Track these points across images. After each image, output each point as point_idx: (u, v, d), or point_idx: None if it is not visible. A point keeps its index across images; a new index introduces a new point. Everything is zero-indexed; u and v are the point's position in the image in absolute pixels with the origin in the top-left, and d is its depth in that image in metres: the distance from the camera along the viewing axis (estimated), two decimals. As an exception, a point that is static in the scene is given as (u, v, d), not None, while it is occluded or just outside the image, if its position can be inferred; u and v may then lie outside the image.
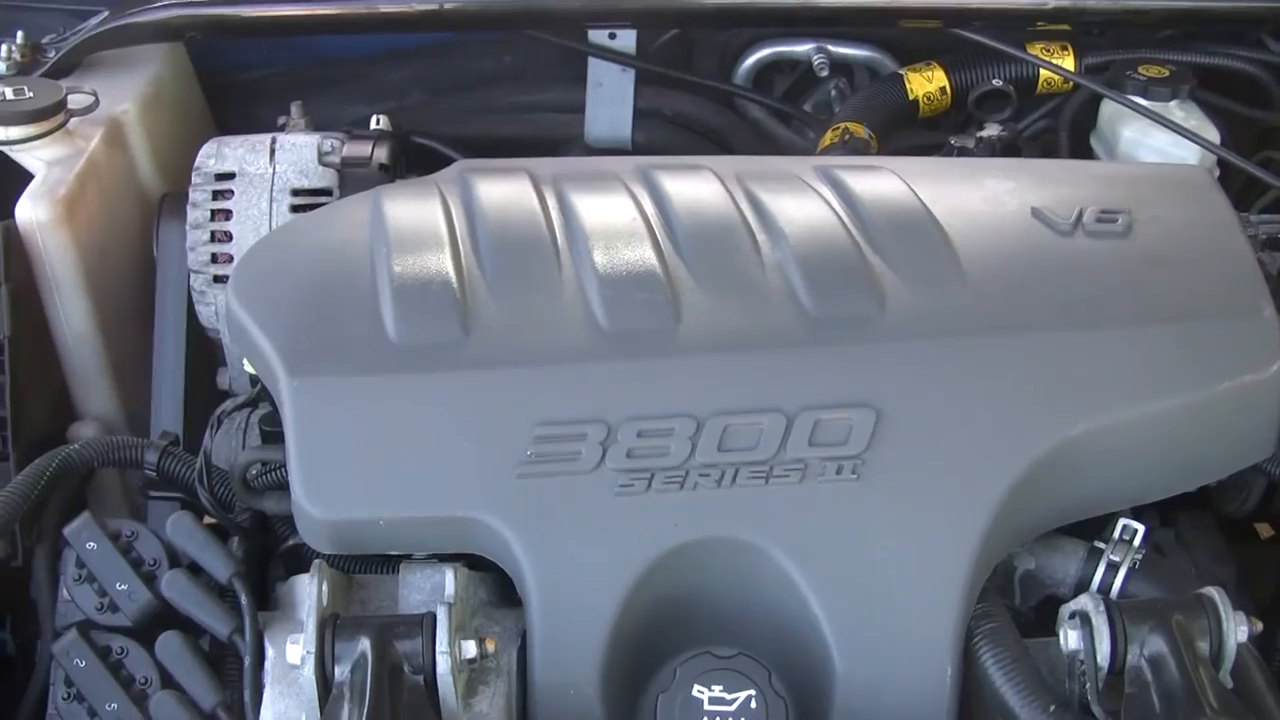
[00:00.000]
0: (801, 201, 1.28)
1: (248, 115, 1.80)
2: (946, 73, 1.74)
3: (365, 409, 1.12)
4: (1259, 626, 1.10)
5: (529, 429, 1.10)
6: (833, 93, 1.88)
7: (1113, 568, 1.15)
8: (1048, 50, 1.72)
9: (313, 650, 1.03)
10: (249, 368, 1.26)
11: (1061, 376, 1.16)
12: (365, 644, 1.03)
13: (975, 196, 1.33)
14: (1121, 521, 1.18)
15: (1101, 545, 1.17)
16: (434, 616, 1.05)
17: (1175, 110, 1.63)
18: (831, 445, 1.10)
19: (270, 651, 1.13)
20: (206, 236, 1.43)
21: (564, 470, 1.10)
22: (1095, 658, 1.04)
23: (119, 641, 1.16)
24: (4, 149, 1.45)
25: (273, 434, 1.26)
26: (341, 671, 1.04)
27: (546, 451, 1.10)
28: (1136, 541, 1.17)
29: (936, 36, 1.75)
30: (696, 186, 1.30)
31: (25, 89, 1.46)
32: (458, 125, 1.76)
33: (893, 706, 1.08)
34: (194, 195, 1.45)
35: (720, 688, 1.06)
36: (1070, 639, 1.06)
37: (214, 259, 1.43)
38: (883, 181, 1.32)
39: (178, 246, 1.47)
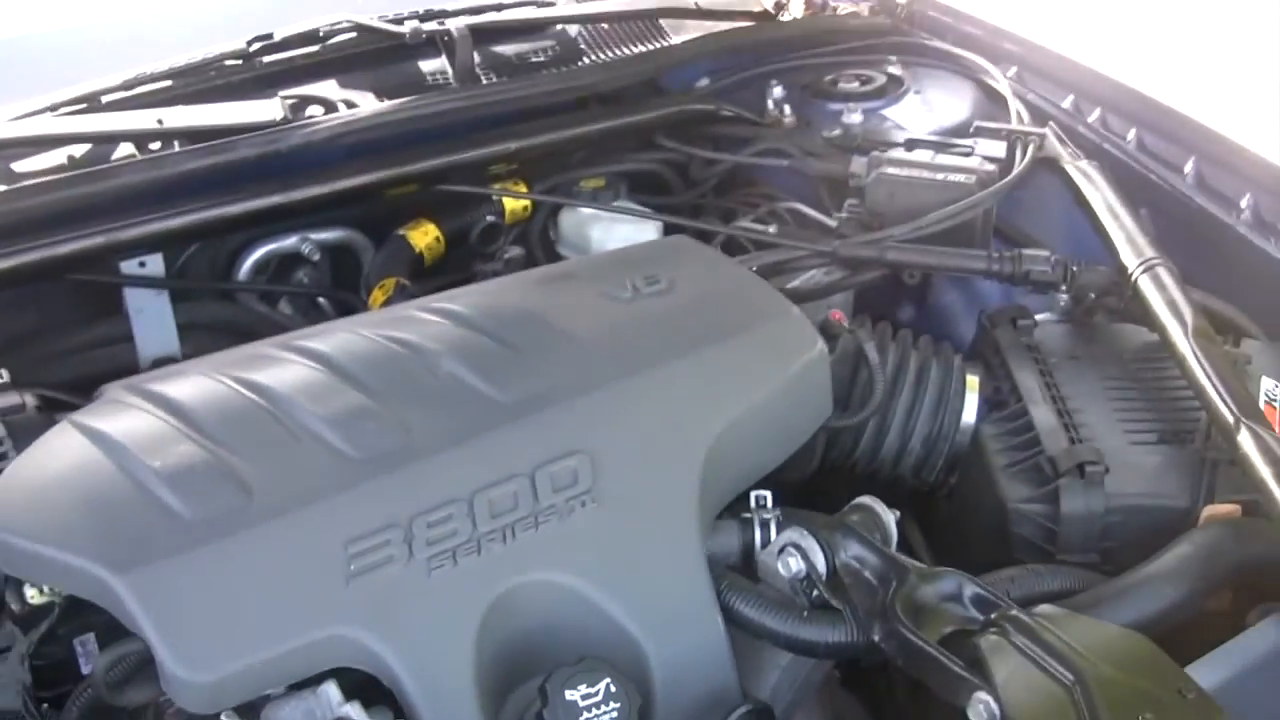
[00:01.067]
0: (430, 328, 1.55)
1: None
2: (436, 224, 2.07)
3: (200, 579, 1.26)
4: (898, 514, 1.52)
5: (342, 549, 1.29)
6: (304, 278, 2.14)
7: (764, 525, 1.51)
8: (505, 185, 2.11)
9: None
10: (33, 598, 1.35)
11: (692, 394, 1.52)
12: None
13: (550, 292, 1.67)
14: (753, 494, 1.54)
15: (747, 515, 1.52)
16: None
17: (621, 205, 2.07)
18: (569, 488, 1.39)
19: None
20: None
21: (385, 571, 1.30)
22: (817, 569, 1.41)
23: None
24: None
25: (46, 668, 1.37)
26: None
27: (364, 562, 1.29)
28: (769, 503, 1.54)
29: (411, 198, 2.07)
30: (341, 341, 1.53)
31: None
32: (28, 378, 1.78)
33: (694, 662, 1.37)
34: None
35: (583, 685, 1.30)
36: (790, 565, 1.42)
37: None
38: (477, 298, 1.63)
39: None
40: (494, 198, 2.09)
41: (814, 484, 1.78)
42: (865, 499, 1.52)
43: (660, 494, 1.44)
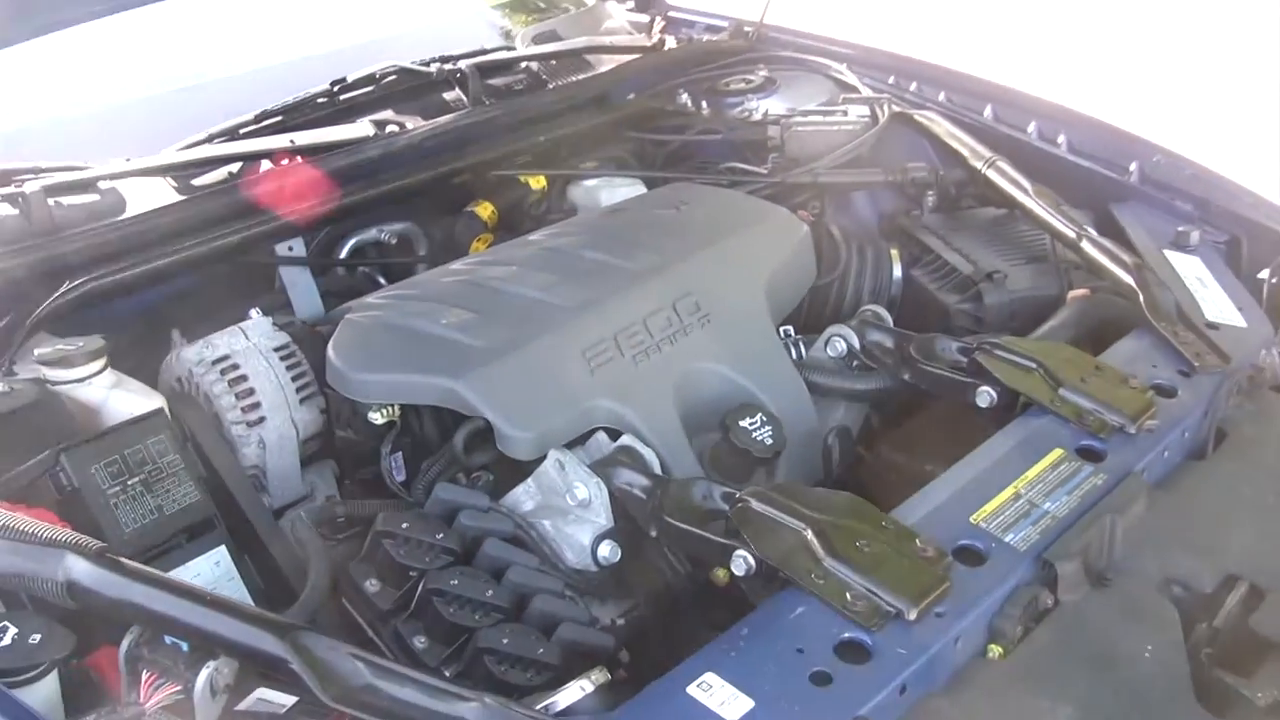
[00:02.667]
0: (560, 239, 2.35)
1: None
2: (492, 203, 2.79)
3: (506, 378, 1.97)
4: (888, 314, 2.37)
5: (582, 355, 2.05)
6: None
7: (795, 344, 2.32)
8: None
9: (598, 481, 1.91)
10: (375, 418, 2.04)
11: (746, 255, 2.34)
12: (622, 470, 1.94)
13: (625, 216, 2.51)
14: (781, 329, 2.36)
15: (786, 340, 2.34)
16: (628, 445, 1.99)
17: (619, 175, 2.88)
18: (696, 312, 2.19)
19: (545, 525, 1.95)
20: (233, 399, 2.04)
21: (611, 364, 2.06)
22: (854, 346, 2.24)
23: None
24: None
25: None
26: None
27: (598, 360, 2.06)
28: (793, 332, 2.37)
29: (459, 187, 2.80)
30: (502, 254, 2.33)
31: None
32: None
33: (793, 409, 2.17)
34: (206, 377, 2.02)
35: (748, 418, 2.07)
36: (838, 346, 2.24)
37: (244, 410, 2.05)
38: (576, 225, 2.46)
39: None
40: (521, 179, 2.81)
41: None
42: (871, 305, 2.37)
43: (748, 312, 2.26)
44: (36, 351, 2.02)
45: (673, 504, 1.81)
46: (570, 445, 1.99)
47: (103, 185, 2.43)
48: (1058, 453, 1.89)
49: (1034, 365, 2.03)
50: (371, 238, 2.74)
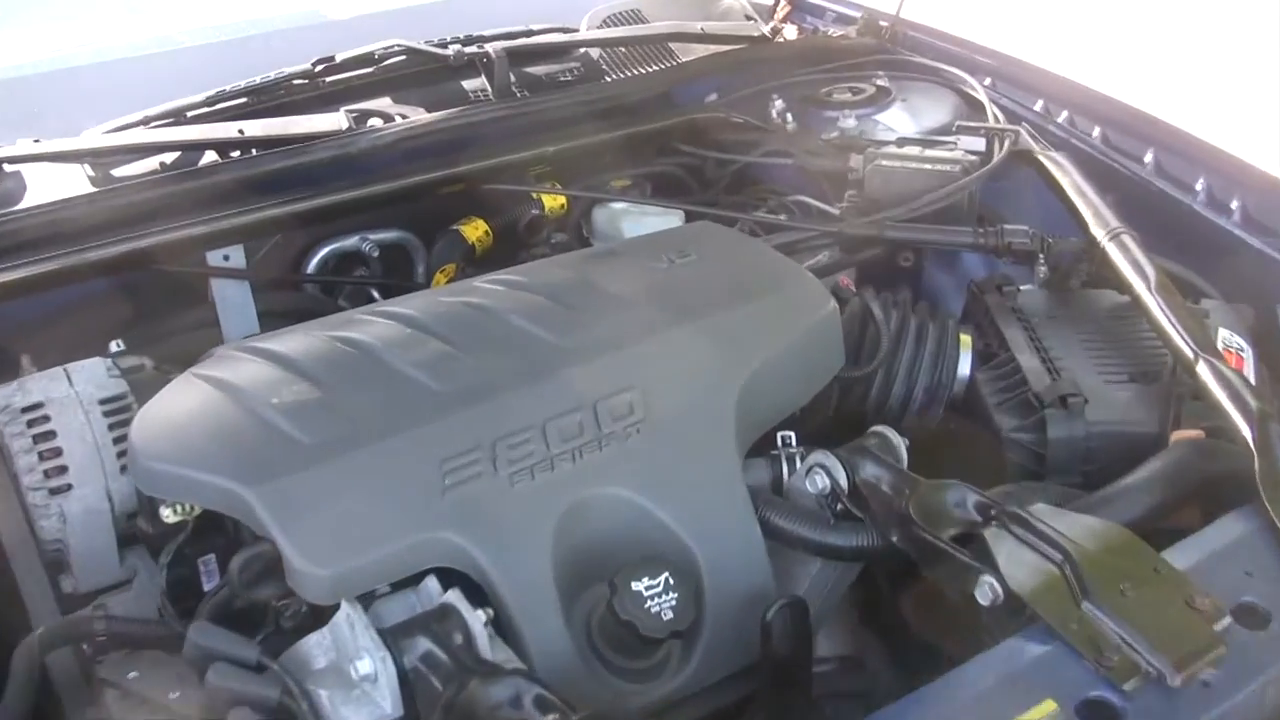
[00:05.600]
0: (496, 294, 1.81)
1: None
2: (485, 220, 2.32)
3: (319, 492, 1.49)
4: (908, 440, 1.77)
5: (438, 467, 1.53)
6: (363, 272, 2.39)
7: (790, 459, 1.75)
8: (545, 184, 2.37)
9: (386, 655, 1.39)
10: (168, 517, 1.58)
11: (725, 343, 1.76)
12: (424, 641, 1.42)
13: (598, 265, 1.93)
14: (779, 434, 1.79)
15: (775, 452, 1.77)
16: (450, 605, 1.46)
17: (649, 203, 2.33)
18: (625, 417, 1.63)
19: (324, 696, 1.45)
20: (35, 459, 1.68)
21: (473, 484, 1.54)
22: (840, 484, 1.66)
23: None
24: None
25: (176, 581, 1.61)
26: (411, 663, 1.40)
27: (457, 478, 1.53)
28: (793, 440, 1.79)
29: (459, 198, 2.32)
30: (417, 303, 1.79)
31: None
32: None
33: (737, 565, 1.61)
34: (10, 429, 1.66)
35: (647, 578, 1.53)
36: (816, 482, 1.66)
37: (47, 475, 1.67)
38: (536, 271, 1.89)
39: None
40: (534, 195, 2.34)
41: (830, 433, 2.02)
42: (879, 427, 1.77)
43: (702, 423, 1.68)
44: None
45: (920, 506, 1.57)
46: (399, 586, 1.52)
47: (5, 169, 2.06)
48: (1048, 707, 1.33)
49: (1060, 558, 1.45)
50: (350, 247, 2.29)
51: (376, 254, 2.33)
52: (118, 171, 2.13)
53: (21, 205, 2.03)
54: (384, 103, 2.37)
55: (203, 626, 1.45)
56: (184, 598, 1.65)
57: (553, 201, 2.35)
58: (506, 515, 1.54)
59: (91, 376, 1.76)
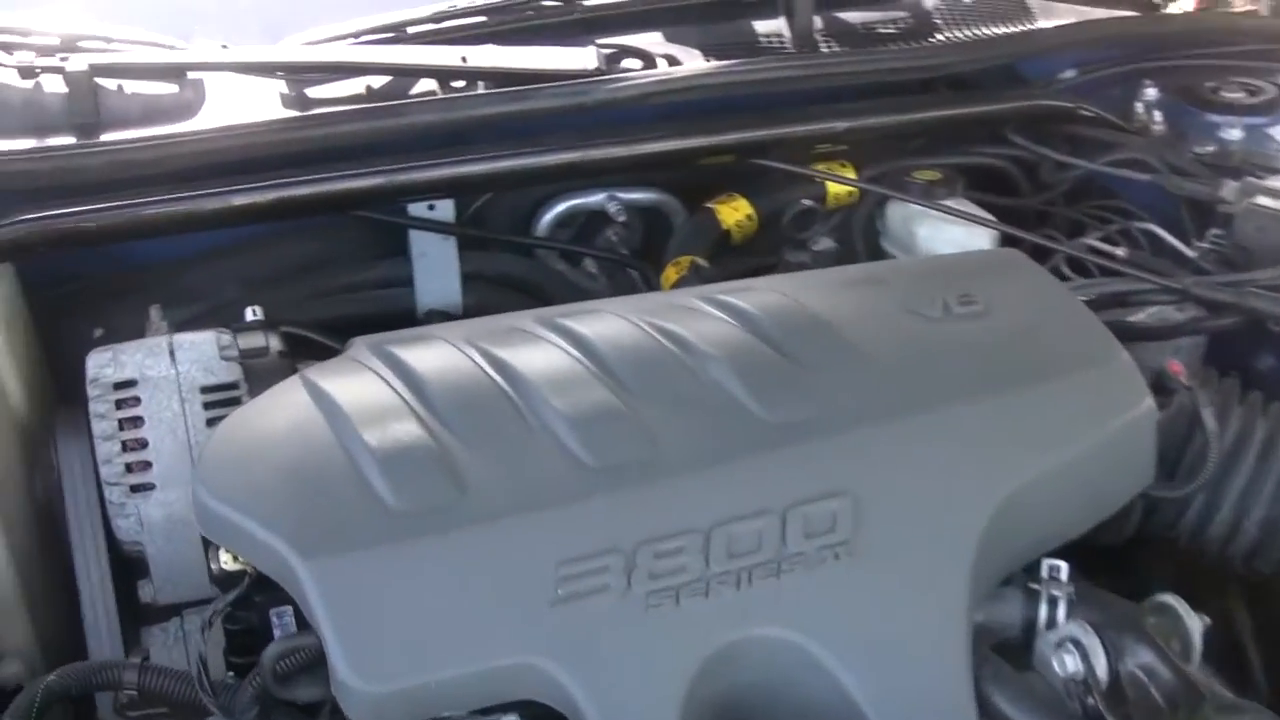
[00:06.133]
0: (706, 325, 1.39)
1: (56, 329, 1.76)
2: (750, 201, 1.90)
3: (390, 579, 1.14)
4: (1208, 621, 1.28)
5: (553, 569, 1.15)
6: (613, 238, 2.00)
7: (1052, 602, 1.29)
8: (830, 167, 1.92)
9: None
10: (227, 563, 1.26)
11: (990, 441, 1.31)
12: None
13: (851, 300, 1.48)
14: (1046, 562, 1.32)
15: (1035, 586, 1.31)
16: None
17: (954, 206, 1.85)
18: (823, 534, 1.20)
19: None
20: (118, 447, 1.40)
21: (595, 601, 1.15)
22: (1096, 673, 1.19)
23: None
24: None
25: (240, 633, 1.27)
26: None
27: (574, 588, 1.15)
28: (1063, 576, 1.32)
29: (725, 170, 1.91)
30: (608, 326, 1.39)
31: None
32: (288, 313, 1.72)
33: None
34: (97, 408, 1.41)
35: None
36: (1067, 664, 1.21)
37: (129, 469, 1.40)
38: (766, 298, 1.44)
39: (83, 463, 1.43)
40: (815, 180, 1.90)
41: (1127, 551, 1.55)
42: (1169, 598, 1.29)
43: (929, 558, 1.23)
44: None
45: None
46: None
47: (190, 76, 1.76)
48: None
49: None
50: (593, 205, 1.92)
51: (623, 218, 1.94)
52: (314, 91, 1.80)
53: (198, 123, 1.72)
54: (652, 39, 1.95)
55: None
56: (254, 648, 1.31)
57: (840, 187, 1.90)
58: (630, 652, 1.15)
59: (200, 355, 1.47)
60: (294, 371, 1.44)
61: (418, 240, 1.87)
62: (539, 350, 1.36)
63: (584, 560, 1.16)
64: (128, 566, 1.46)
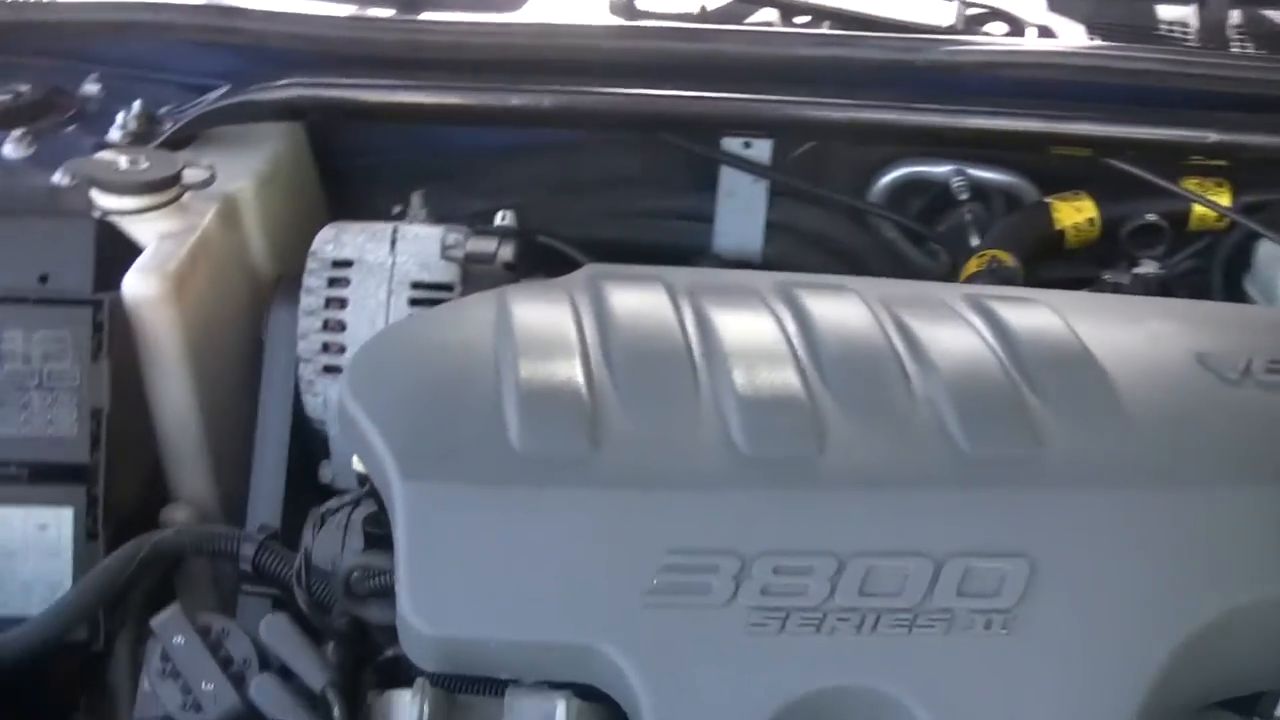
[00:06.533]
0: (953, 332, 1.20)
1: (361, 201, 1.74)
2: (1096, 203, 1.67)
3: (483, 521, 1.05)
4: None
5: (658, 556, 1.02)
6: (968, 217, 1.79)
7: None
8: (1203, 185, 1.65)
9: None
10: (359, 465, 1.19)
11: (1232, 537, 1.07)
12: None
13: (1137, 337, 1.25)
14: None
15: (1258, 727, 1.07)
16: None
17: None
18: (981, 596, 1.01)
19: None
20: (319, 324, 1.37)
21: (692, 603, 1.01)
22: None
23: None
24: (115, 219, 1.40)
25: (377, 536, 1.19)
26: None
27: (675, 582, 1.01)
28: (1281, 711, 1.07)
29: (1081, 165, 1.68)
30: (842, 309, 1.23)
31: (141, 159, 1.41)
32: (581, 227, 1.67)
33: None
34: (309, 281, 1.39)
35: None
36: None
37: (325, 348, 1.37)
38: (1039, 316, 1.23)
39: (288, 332, 1.41)
40: (1178, 196, 1.64)
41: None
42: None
43: (1104, 660, 1.02)
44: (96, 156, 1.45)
45: None
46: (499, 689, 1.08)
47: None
48: None
49: None
50: (936, 178, 1.76)
51: (965, 196, 1.74)
52: (643, 2, 1.70)
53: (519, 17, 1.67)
54: (1035, 3, 1.73)
55: (276, 622, 1.12)
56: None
57: (1207, 211, 1.63)
58: (714, 672, 1.01)
59: (420, 249, 1.40)
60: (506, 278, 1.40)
61: (727, 177, 1.75)
62: (755, 318, 1.22)
63: (694, 554, 1.02)
64: (315, 444, 1.44)
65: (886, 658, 1.01)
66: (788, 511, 1.05)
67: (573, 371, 1.13)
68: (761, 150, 1.73)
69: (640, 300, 1.23)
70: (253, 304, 1.51)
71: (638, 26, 1.67)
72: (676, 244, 1.77)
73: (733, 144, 1.73)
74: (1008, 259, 1.56)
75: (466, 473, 1.06)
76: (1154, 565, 1.05)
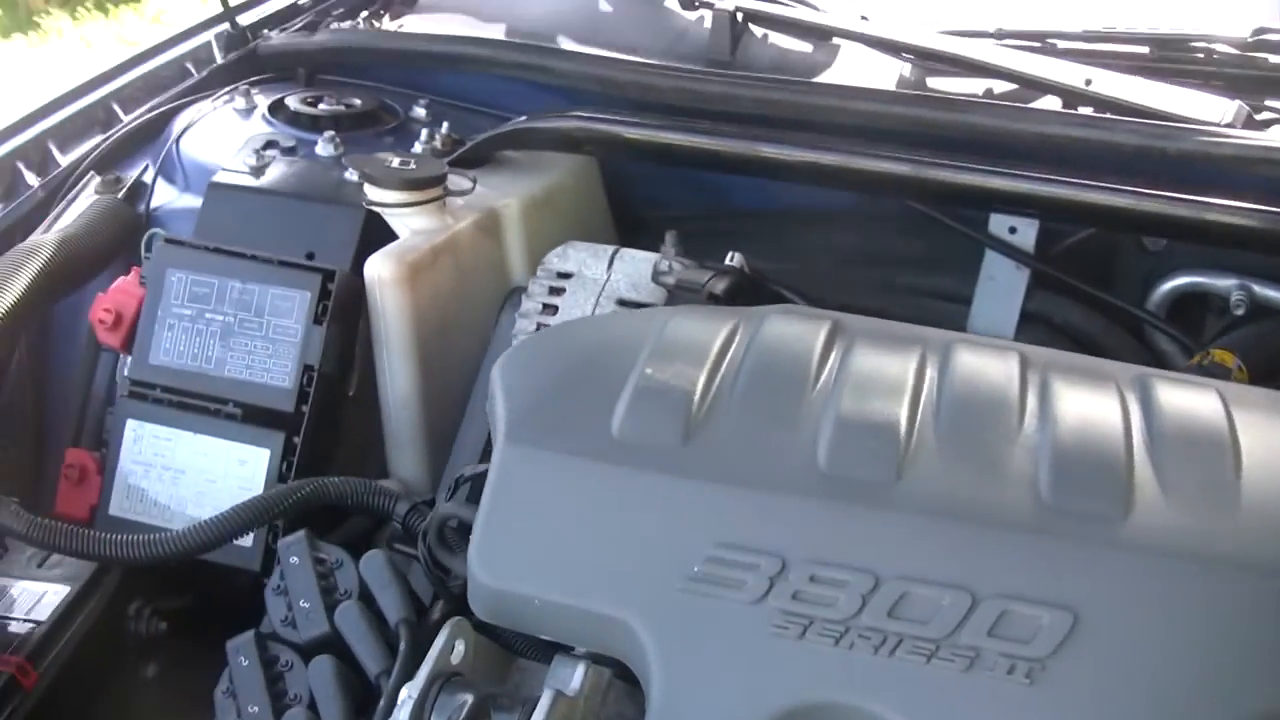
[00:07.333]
0: (1093, 397, 1.17)
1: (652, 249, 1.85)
2: None
3: (558, 488, 1.13)
4: None
5: (706, 547, 1.06)
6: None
7: None
8: None
9: (415, 695, 1.04)
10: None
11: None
12: (466, 700, 1.03)
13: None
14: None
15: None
16: (539, 699, 1.03)
17: None
18: (1012, 640, 0.99)
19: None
20: (531, 327, 1.48)
21: (724, 596, 1.05)
22: None
23: (287, 655, 1.19)
24: (379, 211, 1.56)
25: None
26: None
27: (714, 573, 1.05)
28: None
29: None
30: (992, 364, 1.21)
31: (411, 162, 1.57)
32: (838, 292, 1.67)
33: None
34: (532, 287, 1.51)
35: None
36: None
37: None
38: (1198, 397, 1.18)
39: (506, 334, 1.54)
40: None
41: None
42: None
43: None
44: (374, 155, 1.62)
45: None
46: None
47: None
48: None
49: None
50: (1214, 291, 1.70)
51: (1241, 311, 1.65)
52: (934, 81, 1.72)
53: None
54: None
55: (372, 558, 1.24)
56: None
57: None
58: (728, 662, 1.04)
59: (633, 270, 1.50)
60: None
61: (990, 262, 1.73)
62: (898, 359, 1.23)
63: (739, 550, 1.06)
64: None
65: (895, 683, 1.01)
66: (834, 523, 1.06)
67: (694, 377, 1.18)
68: (1026, 237, 1.71)
69: (798, 330, 1.26)
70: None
71: (918, 95, 1.69)
72: (931, 323, 1.75)
73: (1000, 227, 1.71)
74: (1229, 359, 1.47)
75: (559, 444, 1.14)
76: (1204, 649, 1.00)
